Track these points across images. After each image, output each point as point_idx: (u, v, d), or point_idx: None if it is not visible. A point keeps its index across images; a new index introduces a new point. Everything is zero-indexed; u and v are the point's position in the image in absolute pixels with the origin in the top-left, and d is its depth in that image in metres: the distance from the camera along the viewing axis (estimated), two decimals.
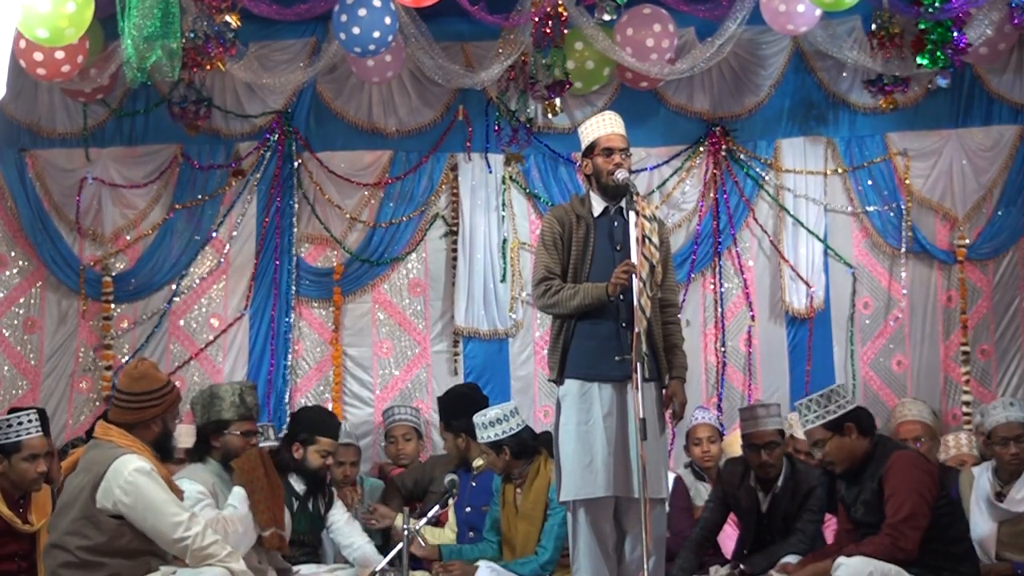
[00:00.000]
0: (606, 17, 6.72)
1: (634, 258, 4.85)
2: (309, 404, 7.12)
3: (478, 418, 5.77)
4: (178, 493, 4.58)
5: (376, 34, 6.40)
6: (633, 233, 4.89)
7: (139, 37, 5.63)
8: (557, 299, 5.06)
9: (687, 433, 6.73)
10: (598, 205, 5.18)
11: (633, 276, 4.86)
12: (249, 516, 5.02)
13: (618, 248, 5.06)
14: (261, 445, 6.08)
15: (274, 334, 7.37)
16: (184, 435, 6.19)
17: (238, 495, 5.04)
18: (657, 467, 4.99)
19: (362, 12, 6.36)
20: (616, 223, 5.12)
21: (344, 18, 6.40)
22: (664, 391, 5.14)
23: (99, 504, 4.34)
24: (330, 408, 7.30)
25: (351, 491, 6.52)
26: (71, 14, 5.48)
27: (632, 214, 4.93)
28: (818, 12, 6.57)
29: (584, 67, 7.14)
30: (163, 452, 4.63)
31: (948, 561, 5.00)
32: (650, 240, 4.96)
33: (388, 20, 6.42)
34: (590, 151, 5.17)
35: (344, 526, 5.99)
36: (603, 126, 5.17)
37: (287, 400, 7.34)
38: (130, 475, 4.35)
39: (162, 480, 4.44)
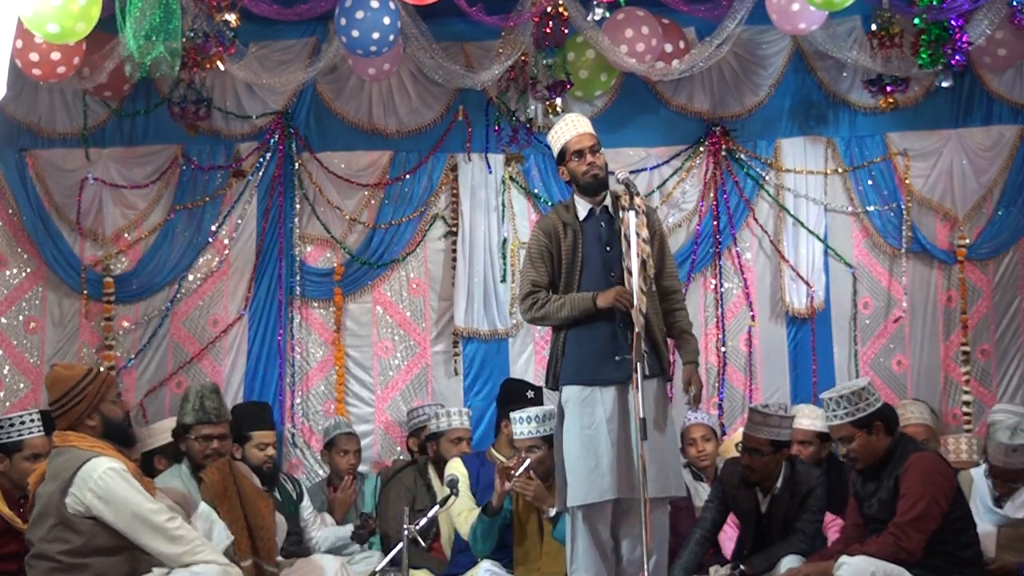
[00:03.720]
0: (606, 14, 6.72)
1: (634, 258, 4.85)
2: (306, 411, 7.18)
3: (523, 414, 5.62)
4: (148, 486, 4.57)
5: (376, 35, 6.40)
6: (633, 232, 4.88)
7: (139, 33, 5.63)
8: (545, 312, 5.08)
9: (681, 434, 6.73)
10: (583, 209, 5.19)
11: (627, 274, 4.85)
12: (215, 532, 4.91)
13: (608, 248, 5.06)
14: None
15: (275, 335, 7.37)
16: (161, 432, 6.21)
17: (204, 514, 4.95)
18: (663, 465, 4.99)
19: (360, 14, 6.35)
20: (603, 223, 5.13)
21: (344, 21, 6.40)
22: (681, 377, 5.16)
23: (70, 509, 4.34)
24: (332, 407, 7.34)
25: (348, 484, 6.52)
26: (78, 10, 5.48)
27: (632, 214, 4.93)
28: (826, 11, 6.57)
29: (579, 76, 7.14)
30: (121, 441, 4.60)
31: (956, 565, 5.01)
32: (638, 235, 4.95)
33: (388, 20, 6.41)
34: (562, 158, 5.18)
35: (310, 523, 6.01)
36: (567, 130, 5.17)
37: (288, 401, 7.35)
38: (101, 478, 4.34)
39: (134, 478, 4.43)
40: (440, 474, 6.40)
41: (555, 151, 5.23)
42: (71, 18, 5.48)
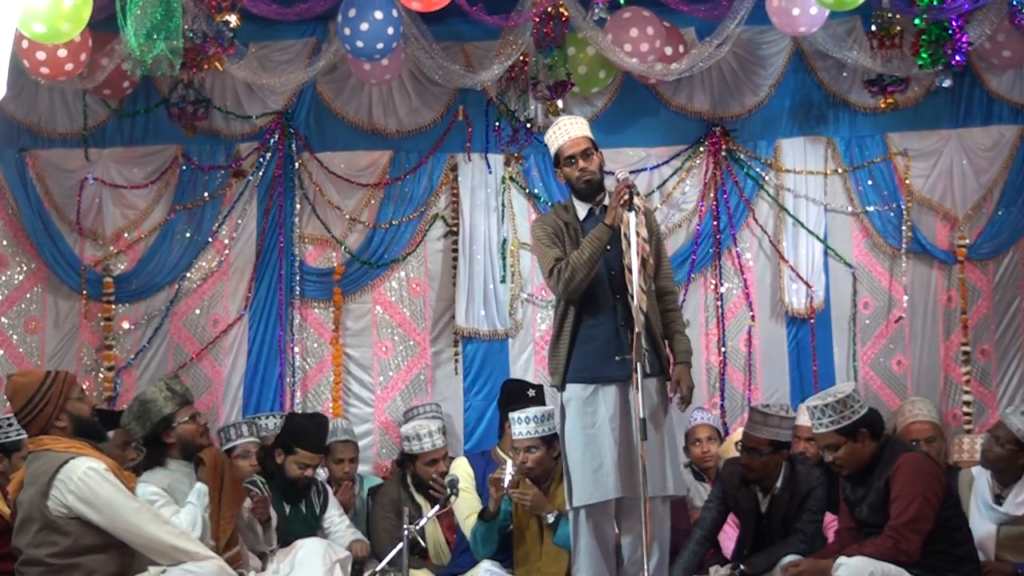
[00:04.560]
0: (605, 15, 6.72)
1: (634, 258, 4.85)
2: (306, 410, 7.11)
3: (522, 415, 5.64)
4: (129, 480, 4.57)
5: (380, 44, 6.43)
6: (633, 231, 4.88)
7: (140, 31, 5.63)
8: (571, 268, 5.01)
9: (687, 434, 6.73)
10: (582, 209, 5.21)
11: (627, 271, 4.85)
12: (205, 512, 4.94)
13: (608, 248, 5.05)
14: (239, 442, 6.13)
15: (275, 335, 7.37)
16: None
17: (199, 491, 4.97)
18: (663, 463, 4.98)
19: (364, 26, 6.37)
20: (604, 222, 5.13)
21: (348, 31, 6.41)
22: (672, 376, 5.16)
23: (53, 512, 4.35)
24: (330, 407, 7.33)
25: (348, 488, 6.53)
26: (68, 10, 5.47)
27: (632, 214, 4.93)
28: (826, 13, 6.58)
29: (577, 72, 7.16)
30: (93, 437, 4.60)
31: (951, 563, 5.01)
32: (638, 234, 4.95)
33: (391, 30, 6.44)
34: (557, 162, 5.21)
35: (337, 527, 6.00)
36: (560, 135, 5.19)
37: (288, 401, 7.34)
38: (81, 479, 4.35)
39: (114, 476, 4.43)
40: (421, 492, 6.35)
41: (551, 154, 5.26)
42: (59, 18, 5.48)
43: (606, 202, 5.15)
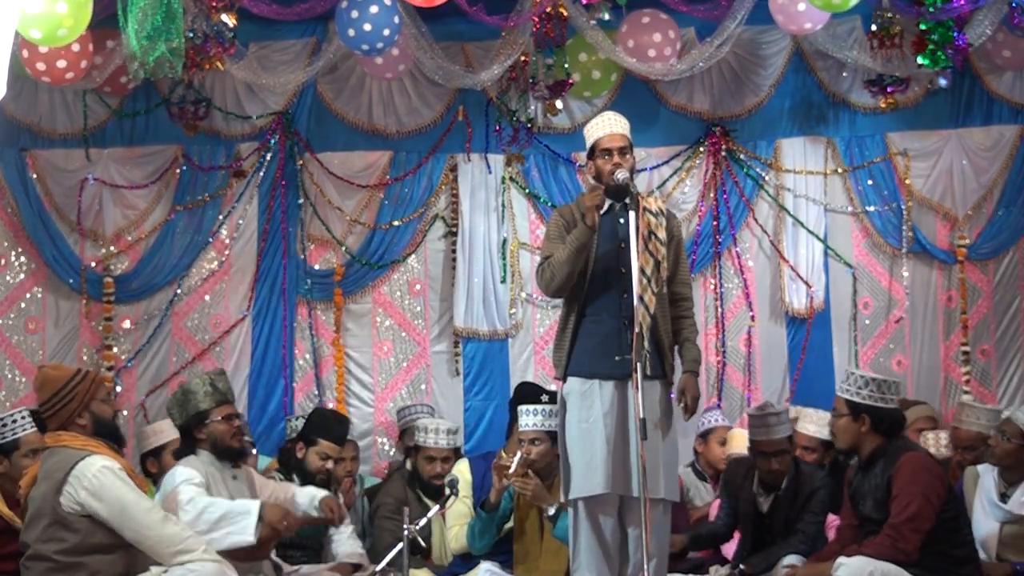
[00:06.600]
0: (604, 16, 6.72)
1: (635, 257, 4.84)
2: (320, 406, 7.09)
3: (531, 407, 5.63)
4: (142, 484, 4.58)
5: (386, 31, 6.43)
6: (633, 231, 4.88)
7: (142, 34, 5.63)
8: (554, 266, 5.02)
9: (703, 433, 6.75)
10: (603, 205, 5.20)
11: (636, 272, 4.84)
12: (241, 518, 4.87)
13: (622, 245, 5.05)
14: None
15: (277, 335, 7.37)
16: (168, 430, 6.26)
17: (250, 504, 4.94)
18: (655, 467, 4.98)
19: (374, 8, 6.37)
20: (621, 220, 5.10)
21: (355, 14, 6.41)
22: (677, 385, 5.15)
23: (65, 508, 4.35)
24: (331, 408, 7.32)
25: (349, 486, 6.52)
26: (63, 15, 5.48)
27: (632, 213, 4.93)
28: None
29: (590, 77, 7.17)
30: (111, 439, 4.60)
31: (951, 563, 5.00)
32: (655, 236, 4.95)
33: (396, 19, 6.44)
34: (592, 153, 5.19)
35: (341, 534, 5.98)
36: (602, 127, 5.18)
37: (289, 401, 7.35)
38: (95, 476, 4.35)
39: (128, 476, 4.45)
40: (417, 488, 6.34)
41: (587, 144, 5.23)
42: (56, 24, 5.47)
43: (627, 200, 5.10)
